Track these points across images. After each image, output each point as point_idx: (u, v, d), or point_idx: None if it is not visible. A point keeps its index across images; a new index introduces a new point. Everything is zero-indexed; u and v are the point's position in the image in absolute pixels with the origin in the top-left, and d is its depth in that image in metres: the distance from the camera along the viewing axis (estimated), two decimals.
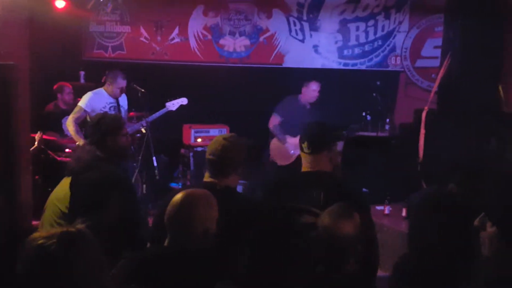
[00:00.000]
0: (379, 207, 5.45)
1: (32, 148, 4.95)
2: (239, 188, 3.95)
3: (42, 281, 1.68)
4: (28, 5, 3.49)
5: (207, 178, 2.71)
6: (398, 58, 7.55)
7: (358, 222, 2.27)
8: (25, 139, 4.68)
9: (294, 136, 6.20)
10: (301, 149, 2.82)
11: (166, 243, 2.25)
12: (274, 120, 6.34)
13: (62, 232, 1.71)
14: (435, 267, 2.42)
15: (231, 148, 2.66)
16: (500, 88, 6.38)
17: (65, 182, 3.79)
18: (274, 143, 6.37)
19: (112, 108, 5.61)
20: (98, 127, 3.37)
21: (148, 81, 6.37)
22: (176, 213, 2.20)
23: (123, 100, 5.79)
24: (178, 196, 2.23)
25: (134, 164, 5.41)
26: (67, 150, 5.62)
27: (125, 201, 2.65)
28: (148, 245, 2.60)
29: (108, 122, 3.38)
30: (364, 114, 7.20)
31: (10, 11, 3.27)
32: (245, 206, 2.66)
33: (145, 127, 5.58)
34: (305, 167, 2.82)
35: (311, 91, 6.30)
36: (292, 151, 6.27)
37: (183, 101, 6.03)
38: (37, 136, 5.20)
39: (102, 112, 5.40)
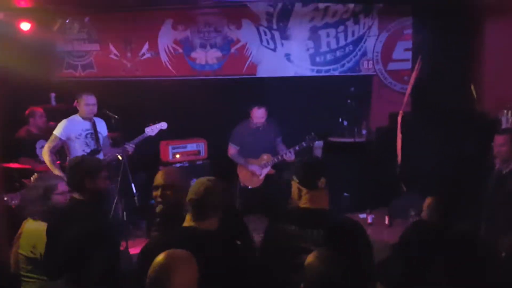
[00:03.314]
0: (362, 215, 5.44)
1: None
2: None
3: None
4: None
5: (188, 222, 2.68)
6: (370, 62, 7.59)
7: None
8: None
9: (256, 158, 6.33)
10: (310, 185, 2.77)
11: None
12: (232, 150, 6.37)
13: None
14: None
15: (213, 189, 2.69)
16: (472, 87, 6.47)
17: (29, 228, 3.73)
18: (240, 168, 6.37)
19: (89, 135, 5.48)
20: (77, 170, 3.33)
21: (120, 99, 6.27)
22: (156, 277, 2.20)
23: (101, 126, 5.64)
24: (158, 259, 2.23)
25: (113, 193, 5.27)
26: None
27: (107, 250, 2.59)
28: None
29: (86, 166, 3.35)
30: (340, 120, 7.21)
31: None
32: (229, 249, 2.68)
33: (121, 155, 5.43)
34: (304, 203, 2.79)
35: (254, 117, 6.27)
36: (259, 172, 6.30)
37: (163, 125, 5.89)
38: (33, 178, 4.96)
39: (78, 137, 5.35)
